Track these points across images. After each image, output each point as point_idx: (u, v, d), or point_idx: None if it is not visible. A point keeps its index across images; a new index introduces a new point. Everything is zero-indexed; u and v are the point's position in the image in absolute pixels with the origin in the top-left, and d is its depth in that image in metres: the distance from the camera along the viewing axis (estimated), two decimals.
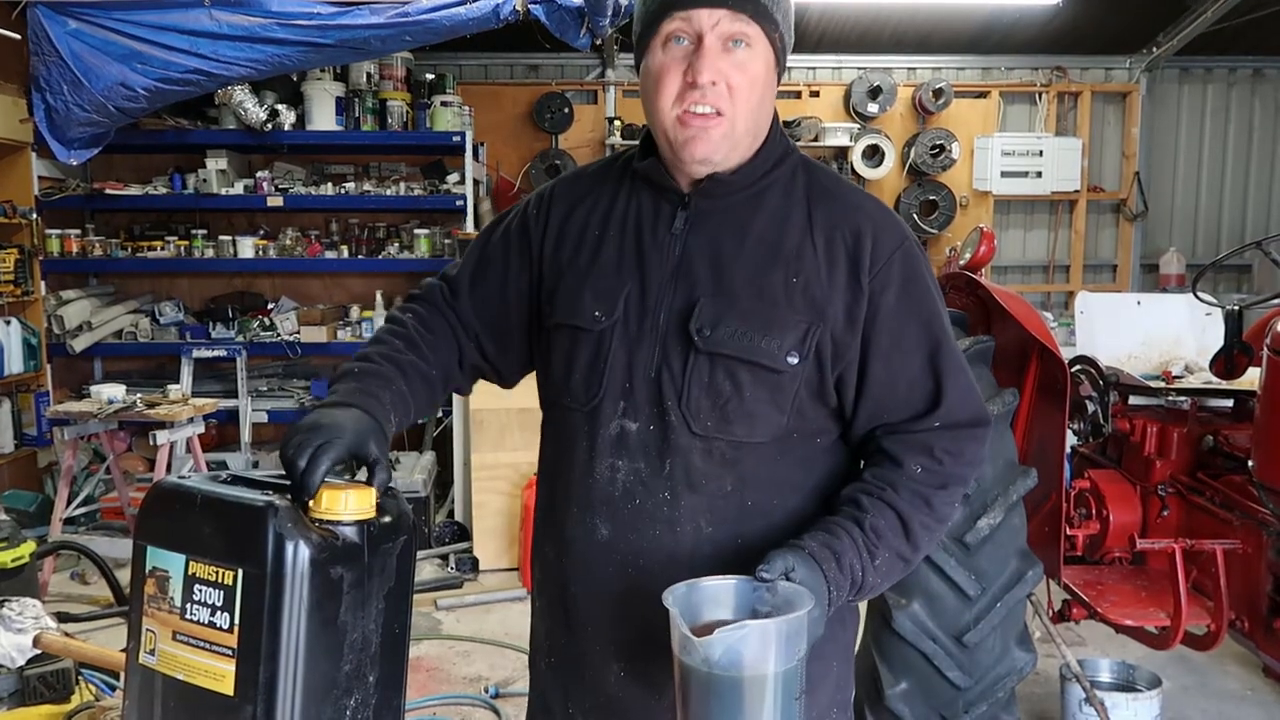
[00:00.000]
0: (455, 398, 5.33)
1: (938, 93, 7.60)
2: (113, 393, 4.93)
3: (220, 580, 1.19)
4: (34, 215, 5.94)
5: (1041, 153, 7.70)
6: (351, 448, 1.27)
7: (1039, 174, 7.71)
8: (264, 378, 6.59)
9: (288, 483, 1.25)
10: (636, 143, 1.57)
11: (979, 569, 2.83)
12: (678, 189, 1.49)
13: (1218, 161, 8.18)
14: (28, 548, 2.87)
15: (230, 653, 1.17)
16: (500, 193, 7.48)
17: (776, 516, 1.45)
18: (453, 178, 6.37)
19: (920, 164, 7.65)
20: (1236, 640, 3.14)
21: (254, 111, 5.97)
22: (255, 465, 6.04)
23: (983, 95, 7.91)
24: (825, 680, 1.51)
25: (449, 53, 6.79)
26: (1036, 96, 7.96)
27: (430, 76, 6.63)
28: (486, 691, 3.91)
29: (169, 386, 5.21)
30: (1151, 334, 3.74)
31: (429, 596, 4.89)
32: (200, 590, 1.20)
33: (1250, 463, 2.93)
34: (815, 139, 7.49)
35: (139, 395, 5.01)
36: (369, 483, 1.27)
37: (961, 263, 3.41)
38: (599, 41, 5.51)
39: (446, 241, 6.37)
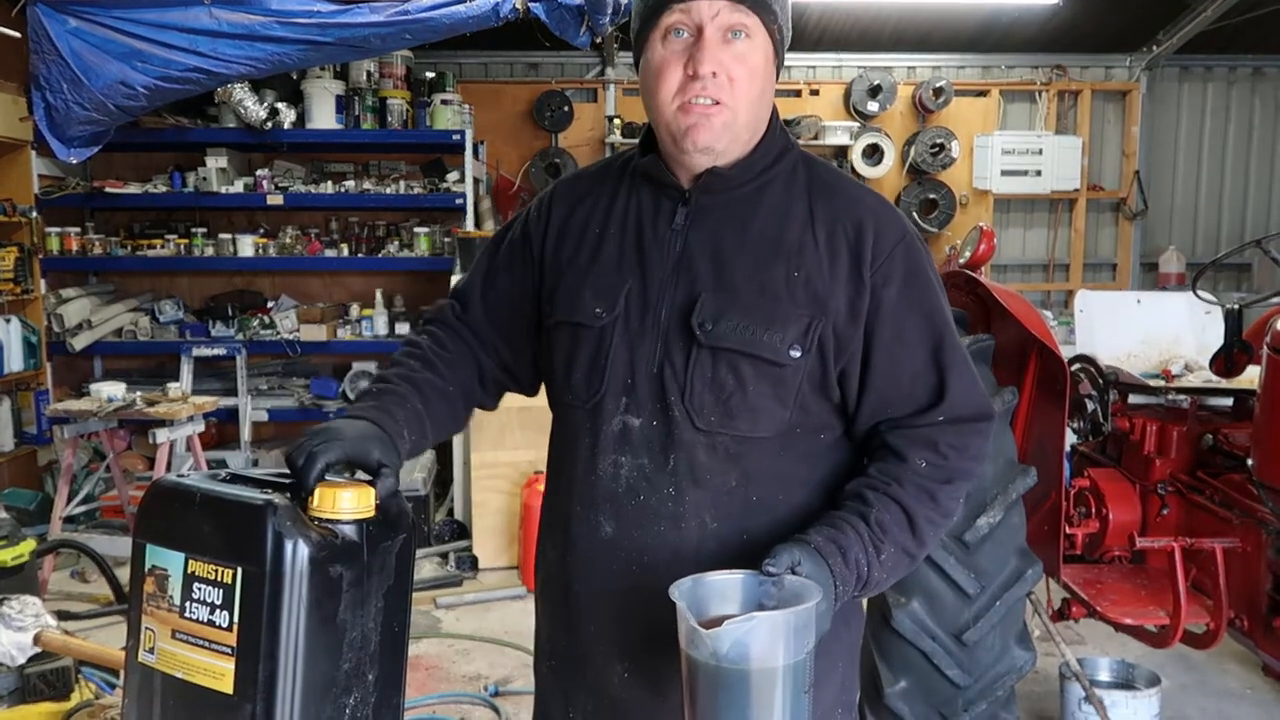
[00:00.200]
0: None
1: (938, 91, 7.60)
2: (112, 391, 4.93)
3: (220, 578, 1.19)
4: (34, 213, 5.94)
5: (1041, 151, 7.69)
6: (352, 450, 1.28)
7: (1039, 173, 7.70)
8: (264, 376, 6.60)
9: (287, 482, 1.26)
10: (636, 141, 1.57)
11: (979, 567, 2.83)
12: (678, 185, 1.49)
13: (1218, 160, 8.17)
14: (28, 546, 2.88)
15: (230, 651, 1.18)
16: (500, 191, 7.47)
17: (781, 512, 1.45)
18: (453, 176, 6.37)
19: (920, 163, 7.65)
20: (1236, 639, 3.14)
21: (254, 110, 5.97)
22: (255, 464, 6.04)
23: (983, 94, 7.91)
24: (830, 680, 1.50)
25: (449, 51, 6.79)
26: (1036, 95, 7.95)
27: (430, 75, 6.61)
28: (486, 690, 3.91)
29: (169, 385, 5.20)
30: (1151, 333, 3.74)
31: (428, 595, 4.89)
32: (200, 588, 1.20)
33: (1250, 461, 2.93)
34: (815, 137, 7.48)
35: (139, 393, 5.00)
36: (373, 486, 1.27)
37: (961, 261, 3.40)
38: (599, 40, 5.51)
39: (446, 240, 6.37)
